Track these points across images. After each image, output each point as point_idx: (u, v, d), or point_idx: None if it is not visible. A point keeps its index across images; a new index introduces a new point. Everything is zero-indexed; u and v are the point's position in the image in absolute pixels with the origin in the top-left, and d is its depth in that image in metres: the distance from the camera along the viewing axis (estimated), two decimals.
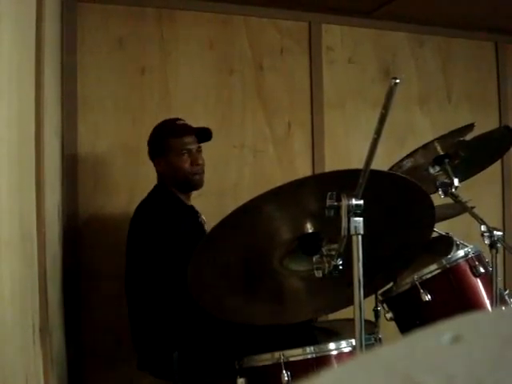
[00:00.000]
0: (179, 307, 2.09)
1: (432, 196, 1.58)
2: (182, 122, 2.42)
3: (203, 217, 2.44)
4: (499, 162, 3.55)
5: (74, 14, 2.84)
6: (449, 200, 2.18)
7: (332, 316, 2.43)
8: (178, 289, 2.00)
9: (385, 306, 2.14)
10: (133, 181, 2.92)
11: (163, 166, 2.37)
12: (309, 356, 1.73)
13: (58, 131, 2.60)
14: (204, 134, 2.43)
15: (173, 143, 2.34)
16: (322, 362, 1.73)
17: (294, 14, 3.28)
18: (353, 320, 1.28)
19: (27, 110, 1.51)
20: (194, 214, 2.44)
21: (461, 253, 2.09)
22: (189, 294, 1.57)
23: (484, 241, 1.94)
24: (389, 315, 2.10)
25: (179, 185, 2.38)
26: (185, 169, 2.34)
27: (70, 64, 2.82)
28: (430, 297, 1.99)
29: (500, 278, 1.98)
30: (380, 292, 2.13)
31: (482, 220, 1.99)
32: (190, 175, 2.35)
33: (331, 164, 3.28)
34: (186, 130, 2.39)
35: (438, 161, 2.17)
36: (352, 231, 1.25)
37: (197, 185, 2.40)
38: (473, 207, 2.13)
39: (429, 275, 2.04)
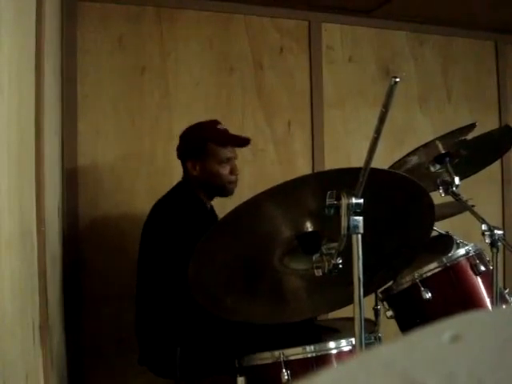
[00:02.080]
0: (182, 305, 2.09)
1: (433, 194, 1.58)
2: (222, 127, 2.40)
3: None
4: (499, 161, 3.55)
5: (73, 13, 2.84)
6: (449, 198, 2.18)
7: (332, 315, 2.43)
8: (182, 287, 2.00)
9: (385, 304, 2.15)
10: (133, 180, 2.92)
11: (199, 169, 2.35)
12: (309, 355, 1.73)
13: (58, 130, 2.60)
14: (242, 143, 2.43)
15: (215, 150, 2.34)
16: (322, 360, 1.73)
17: (293, 13, 3.28)
18: (353, 319, 1.28)
19: (27, 110, 1.51)
20: (213, 217, 2.44)
21: (462, 251, 2.09)
22: (191, 293, 1.58)
23: (485, 239, 1.94)
24: (389, 313, 2.10)
25: (211, 190, 2.39)
26: (223, 177, 2.35)
27: (70, 63, 2.82)
28: (430, 295, 2.00)
29: (500, 277, 1.98)
30: (380, 290, 2.13)
31: (482, 219, 1.99)
32: (228, 183, 2.37)
33: (331, 163, 3.28)
34: (231, 139, 2.39)
35: (439, 159, 2.17)
36: (352, 230, 1.25)
37: (230, 193, 2.41)
38: (473, 206, 2.13)
39: (429, 273, 2.04)
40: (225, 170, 2.35)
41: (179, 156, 2.43)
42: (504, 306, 2.04)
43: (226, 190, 2.38)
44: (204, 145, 2.34)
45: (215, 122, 2.41)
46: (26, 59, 1.51)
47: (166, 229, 2.21)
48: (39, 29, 1.65)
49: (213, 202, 2.49)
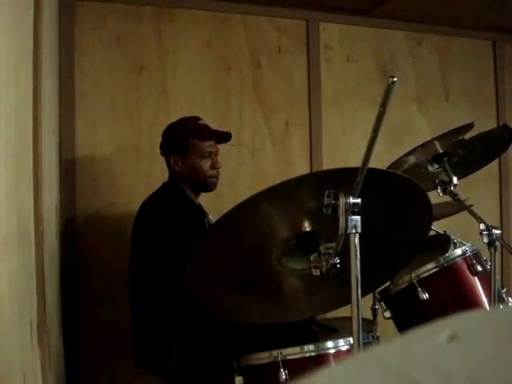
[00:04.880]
0: (178, 305, 2.09)
1: (430, 194, 1.58)
2: (203, 122, 2.42)
3: (210, 217, 2.44)
4: (496, 160, 3.56)
5: (71, 12, 2.84)
6: (447, 198, 2.18)
7: (330, 314, 2.43)
8: (177, 287, 2.00)
9: (382, 304, 2.15)
10: (131, 179, 2.92)
11: (180, 164, 2.37)
12: (306, 354, 1.73)
13: (56, 129, 2.60)
14: (223, 137, 2.46)
15: (196, 145, 2.36)
16: (320, 360, 1.73)
17: (291, 12, 3.28)
18: (351, 318, 1.28)
19: (25, 109, 1.50)
20: (201, 213, 2.44)
21: (458, 251, 2.09)
22: (187, 293, 1.57)
23: (482, 239, 1.94)
24: (387, 314, 2.10)
25: (195, 185, 2.40)
26: (205, 171, 2.37)
27: (68, 62, 2.82)
28: (427, 295, 2.00)
29: (498, 277, 1.98)
30: (378, 290, 2.13)
31: (480, 218, 1.99)
32: (208, 178, 2.38)
33: (329, 162, 3.28)
34: (211, 133, 2.40)
35: (436, 159, 2.17)
36: (350, 230, 1.25)
37: (212, 188, 2.43)
38: (471, 205, 2.13)
39: (426, 274, 2.04)
40: (205, 165, 2.37)
41: (162, 153, 2.45)
42: (501, 306, 2.05)
43: (207, 185, 2.40)
44: (185, 139, 2.36)
45: (196, 118, 2.43)
46: (25, 58, 1.51)
47: (156, 227, 2.21)
48: (37, 27, 1.65)
49: (210, 202, 2.49)
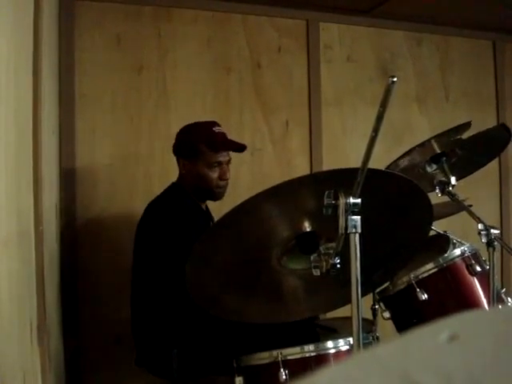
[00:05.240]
0: (179, 305, 2.09)
1: (429, 194, 1.58)
2: (218, 129, 2.33)
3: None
4: (496, 160, 3.56)
5: (71, 12, 2.84)
6: (446, 198, 2.18)
7: (330, 314, 2.43)
8: (178, 287, 2.00)
9: (382, 304, 2.14)
10: (131, 179, 2.92)
11: (188, 168, 2.32)
12: (307, 354, 1.73)
13: (56, 129, 2.60)
14: (236, 149, 2.38)
15: (207, 154, 2.28)
16: (320, 360, 1.73)
17: (291, 12, 3.28)
18: (351, 318, 1.28)
19: (25, 109, 1.50)
20: (206, 218, 2.42)
21: (457, 251, 2.09)
22: (188, 293, 1.57)
23: (481, 239, 1.94)
24: (386, 315, 2.10)
25: (199, 192, 2.35)
26: (211, 181, 2.30)
27: (68, 62, 2.81)
28: (426, 296, 1.99)
29: (497, 277, 1.98)
30: (377, 291, 2.13)
31: (479, 218, 1.99)
32: (215, 188, 2.32)
33: (329, 162, 3.28)
34: (225, 145, 2.32)
35: (435, 159, 2.17)
36: (349, 230, 1.25)
37: (217, 198, 2.37)
38: (470, 205, 2.13)
39: (425, 274, 2.04)
40: (214, 174, 2.30)
41: (173, 153, 2.40)
42: (500, 306, 2.05)
43: (213, 194, 2.35)
44: (196, 146, 2.29)
45: (212, 124, 2.35)
46: (24, 58, 1.51)
47: (160, 229, 2.19)
48: (37, 28, 1.65)
49: (210, 202, 2.49)
